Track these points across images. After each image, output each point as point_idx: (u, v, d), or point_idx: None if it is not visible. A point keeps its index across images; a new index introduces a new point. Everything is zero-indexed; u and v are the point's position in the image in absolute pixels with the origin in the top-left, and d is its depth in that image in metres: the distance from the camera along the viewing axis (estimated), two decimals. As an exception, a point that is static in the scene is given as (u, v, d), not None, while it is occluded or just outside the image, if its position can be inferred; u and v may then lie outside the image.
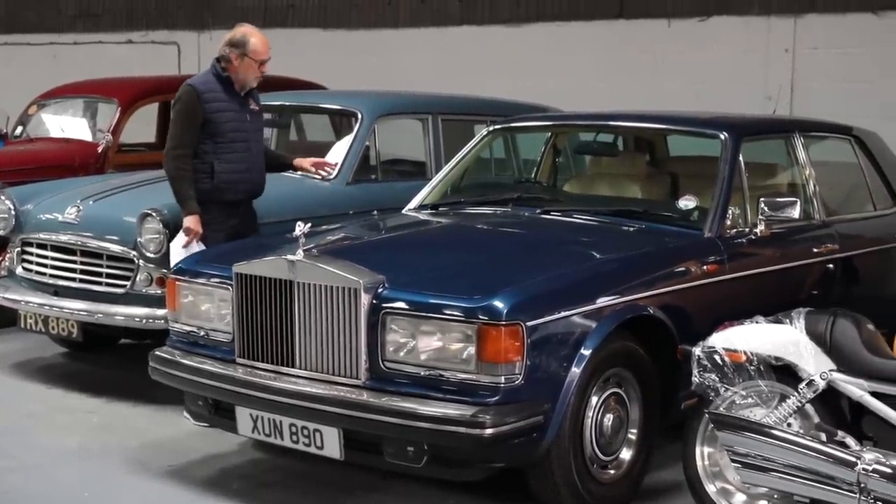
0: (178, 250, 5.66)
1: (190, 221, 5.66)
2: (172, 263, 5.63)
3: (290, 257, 4.57)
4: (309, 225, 4.71)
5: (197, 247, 5.63)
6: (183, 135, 5.72)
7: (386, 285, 4.43)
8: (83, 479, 5.11)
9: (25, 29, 14.42)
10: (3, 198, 6.67)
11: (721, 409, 4.37)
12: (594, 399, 4.55)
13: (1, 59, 14.14)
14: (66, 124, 9.17)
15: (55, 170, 7.95)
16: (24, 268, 6.56)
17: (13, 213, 6.61)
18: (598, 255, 4.97)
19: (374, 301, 4.39)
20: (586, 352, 4.41)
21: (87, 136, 8.89)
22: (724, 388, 4.34)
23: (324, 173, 6.55)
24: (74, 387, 6.48)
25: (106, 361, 6.97)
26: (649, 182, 6.25)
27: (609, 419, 4.61)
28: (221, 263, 4.93)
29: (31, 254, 6.51)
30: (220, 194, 5.75)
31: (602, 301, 4.54)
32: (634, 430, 4.75)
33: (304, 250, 4.58)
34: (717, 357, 4.34)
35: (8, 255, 6.77)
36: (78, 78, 9.91)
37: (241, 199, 5.87)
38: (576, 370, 4.38)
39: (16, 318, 6.53)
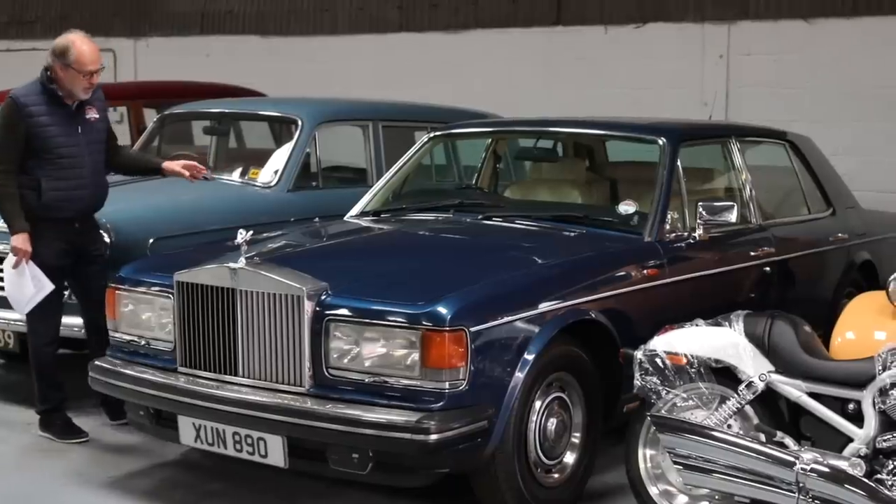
0: (9, 272, 5.47)
1: (17, 241, 5.38)
2: (7, 287, 5.51)
3: (232, 265, 4.55)
4: (251, 232, 4.69)
5: (28, 267, 5.42)
6: (4, 151, 5.39)
7: (329, 292, 4.42)
8: (22, 492, 5.04)
9: (-45, 35, 14.20)
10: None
11: (663, 411, 4.41)
12: (538, 403, 4.57)
13: (-69, 65, 13.89)
14: (0, 132, 9.00)
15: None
16: (-42, 278, 6.44)
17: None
18: (539, 261, 5.00)
19: (318, 308, 4.39)
20: (529, 356, 4.43)
21: (21, 143, 8.75)
22: (665, 391, 4.38)
23: (198, 178, 5.98)
24: (12, 398, 6.38)
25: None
26: (589, 187, 6.31)
27: (553, 423, 4.64)
28: (162, 272, 4.89)
29: (-34, 264, 6.40)
30: (48, 212, 5.42)
31: (544, 306, 4.57)
32: (578, 434, 4.78)
33: (247, 258, 4.56)
34: (658, 360, 4.39)
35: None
36: (11, 85, 9.70)
37: (74, 217, 5.55)
38: (519, 375, 4.40)
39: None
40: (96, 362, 5.06)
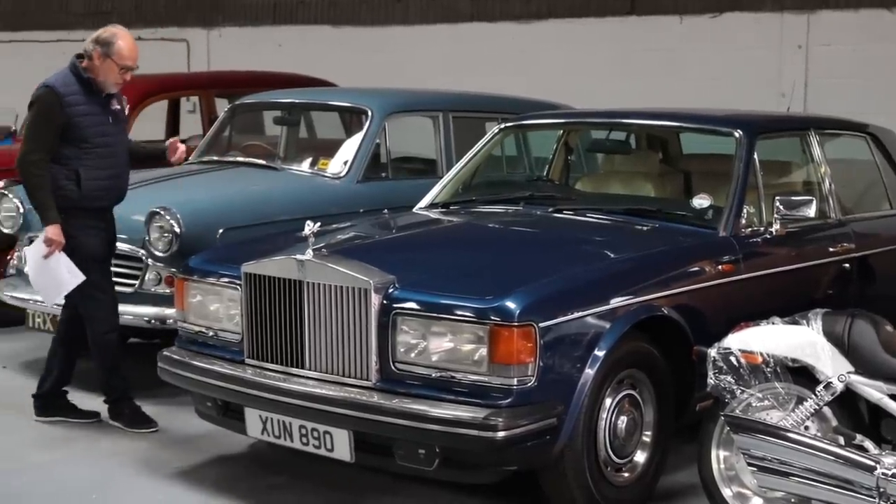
0: (38, 261, 5.46)
1: (52, 232, 5.41)
2: (37, 278, 5.51)
3: (299, 257, 4.53)
4: (318, 224, 4.66)
5: (61, 258, 5.42)
6: (40, 139, 5.40)
7: (396, 285, 4.38)
8: (91, 480, 5.08)
9: (33, 26, 14.39)
10: (10, 196, 6.62)
11: (737, 411, 4.31)
12: (608, 401, 4.49)
13: (9, 56, 14.11)
14: (75, 122, 9.10)
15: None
16: (31, 267, 6.51)
17: (21, 211, 6.57)
18: (611, 255, 4.91)
19: (385, 301, 4.34)
20: (600, 353, 4.35)
21: (95, 133, 8.84)
22: (739, 390, 4.28)
23: (174, 159, 5.89)
24: (82, 386, 6.41)
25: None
26: (663, 180, 6.19)
27: (623, 421, 4.56)
28: (230, 263, 4.89)
29: (39, 252, 6.46)
30: (88, 202, 5.49)
31: (616, 301, 4.48)
32: (649, 433, 4.69)
33: (314, 250, 4.53)
34: (732, 358, 4.29)
35: (16, 254, 6.73)
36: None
37: (110, 206, 5.65)
38: (589, 372, 4.32)
39: (24, 317, 6.50)
40: (165, 352, 5.07)
